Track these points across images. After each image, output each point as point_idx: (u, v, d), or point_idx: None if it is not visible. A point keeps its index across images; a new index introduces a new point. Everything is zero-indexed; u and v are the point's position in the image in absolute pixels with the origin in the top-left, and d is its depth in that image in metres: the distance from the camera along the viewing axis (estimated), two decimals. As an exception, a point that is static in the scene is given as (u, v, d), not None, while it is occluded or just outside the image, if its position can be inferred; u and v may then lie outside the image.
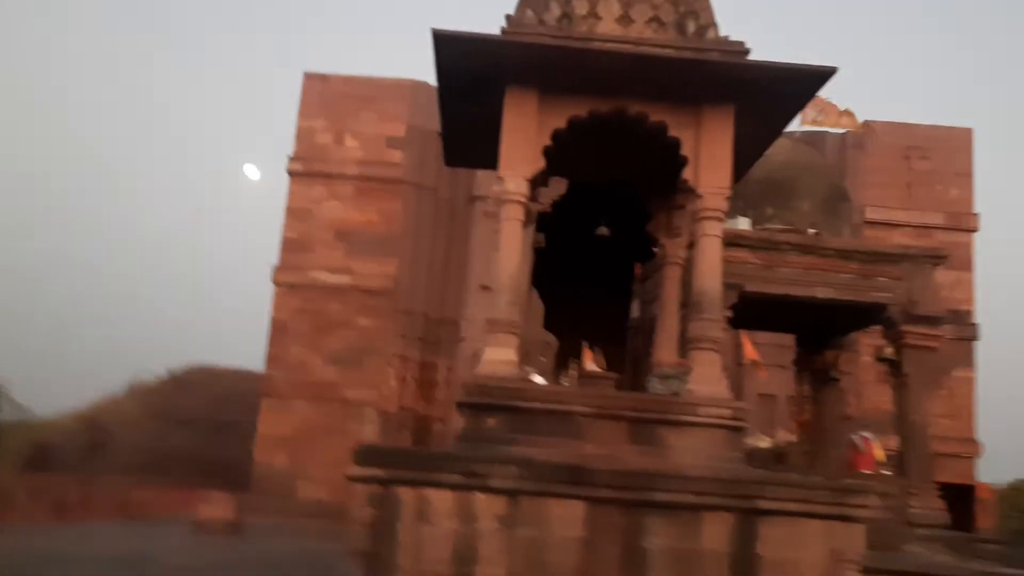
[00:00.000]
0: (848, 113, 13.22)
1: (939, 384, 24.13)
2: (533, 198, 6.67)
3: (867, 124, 26.26)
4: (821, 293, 9.55)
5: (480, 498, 5.29)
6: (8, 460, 22.38)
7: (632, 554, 5.30)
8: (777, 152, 9.96)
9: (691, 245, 6.55)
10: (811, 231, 10.18)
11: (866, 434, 11.05)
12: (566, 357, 8.14)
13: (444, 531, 5.26)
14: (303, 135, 26.23)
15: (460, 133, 7.37)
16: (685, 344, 6.38)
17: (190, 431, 29.93)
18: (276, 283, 25.57)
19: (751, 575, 5.25)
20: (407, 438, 24.03)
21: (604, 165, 7.47)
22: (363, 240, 25.44)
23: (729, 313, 9.38)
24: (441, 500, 5.29)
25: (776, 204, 10.41)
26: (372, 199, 25.75)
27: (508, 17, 6.21)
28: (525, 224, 6.55)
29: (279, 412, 24.55)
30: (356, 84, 26.47)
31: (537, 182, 6.54)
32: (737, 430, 5.99)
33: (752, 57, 6.08)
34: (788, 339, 12.47)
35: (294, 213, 25.88)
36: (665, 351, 7.22)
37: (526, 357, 7.01)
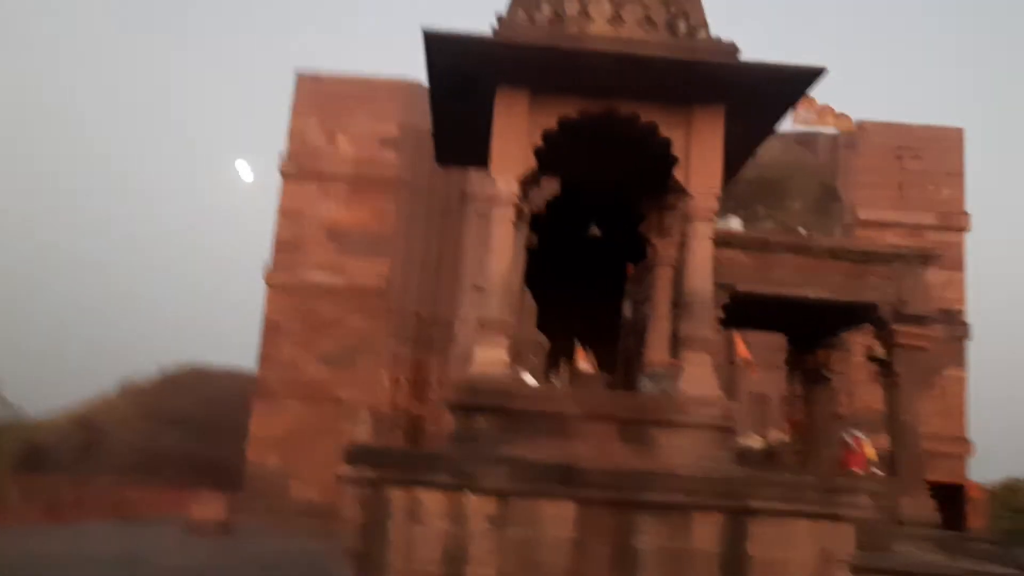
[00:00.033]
0: (841, 115, 13.28)
1: (931, 383, 24.22)
2: (525, 198, 6.68)
3: (859, 124, 26.37)
4: (812, 293, 9.57)
5: (471, 498, 5.29)
6: (0, 460, 22.28)
7: (623, 554, 5.31)
8: (768, 152, 9.97)
9: (682, 245, 6.55)
10: (802, 231, 10.20)
11: (858, 433, 11.08)
12: (557, 357, 8.15)
13: (435, 531, 5.26)
14: (296, 135, 26.17)
15: (451, 133, 7.37)
16: (676, 344, 6.39)
17: (182, 431, 29.85)
18: (269, 283, 25.51)
19: (741, 575, 5.26)
20: (400, 438, 24.00)
21: (595, 166, 7.48)
22: (356, 240, 25.40)
23: (721, 313, 9.40)
24: (432, 500, 5.29)
25: (768, 204, 10.43)
26: (365, 199, 25.72)
27: (500, 17, 6.21)
28: (517, 224, 6.56)
29: (272, 412, 24.50)
30: (349, 84, 26.42)
31: (528, 182, 6.54)
32: (728, 430, 6.00)
33: (742, 58, 6.09)
34: (780, 339, 12.49)
35: (287, 213, 25.83)
36: (656, 351, 7.23)
37: (517, 357, 7.02)
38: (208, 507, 18.71)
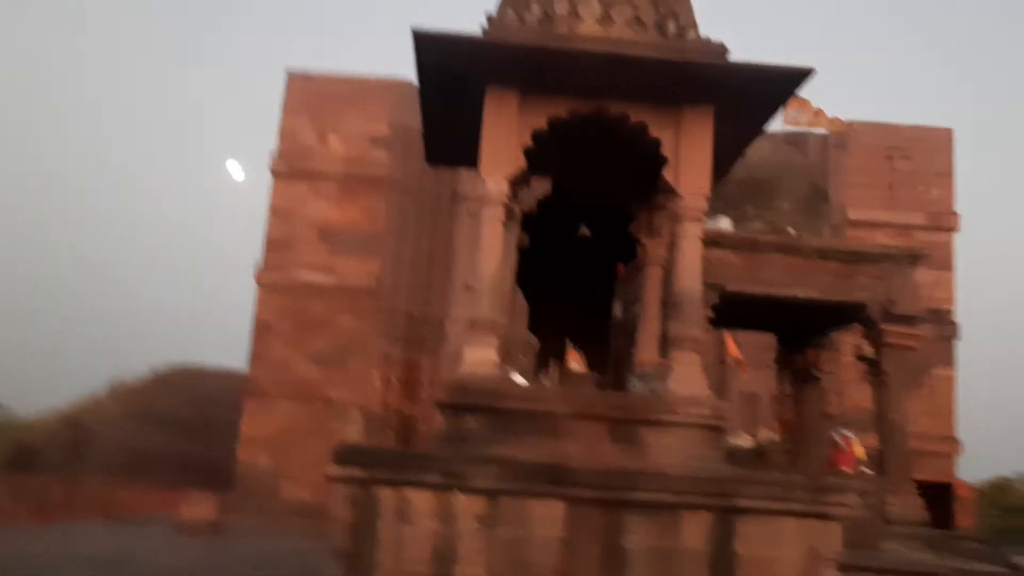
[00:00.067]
0: (833, 119, 13.34)
1: (920, 383, 24.34)
2: (515, 198, 6.68)
3: (849, 125, 26.47)
4: (801, 293, 9.61)
5: (460, 498, 5.29)
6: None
7: (612, 553, 5.32)
8: (758, 152, 10.00)
9: (672, 245, 6.57)
10: (791, 231, 10.24)
11: (847, 432, 11.13)
12: (547, 357, 8.16)
13: (424, 531, 5.26)
14: (287, 134, 26.14)
15: (441, 132, 7.37)
16: (666, 344, 6.41)
17: (173, 431, 29.78)
18: (259, 282, 25.47)
19: (729, 573, 5.28)
20: (391, 438, 24.00)
21: (586, 166, 7.49)
22: (347, 239, 25.38)
23: (710, 313, 9.43)
24: (421, 500, 5.29)
25: (757, 204, 10.46)
26: (356, 198, 25.70)
27: (489, 17, 6.21)
28: (507, 224, 6.57)
29: (262, 412, 24.47)
30: (340, 83, 26.39)
31: (518, 182, 6.55)
32: (717, 429, 6.01)
33: (732, 58, 6.11)
34: (771, 338, 12.53)
35: (277, 212, 25.80)
36: (646, 351, 7.24)
37: (508, 357, 7.02)
38: (198, 507, 18.67)
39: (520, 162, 6.20)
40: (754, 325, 12.38)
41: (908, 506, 9.33)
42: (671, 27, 6.26)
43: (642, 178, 6.95)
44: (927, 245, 23.77)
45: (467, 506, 5.29)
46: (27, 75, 79.80)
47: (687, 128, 6.25)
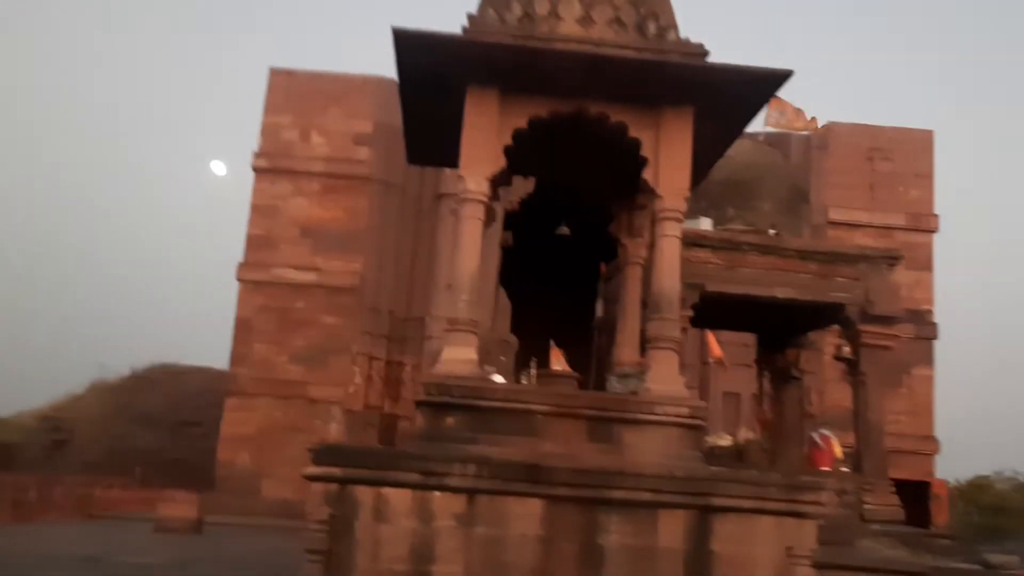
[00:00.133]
0: (811, 120, 13.44)
1: (899, 382, 24.55)
2: (495, 197, 6.69)
3: (830, 126, 26.64)
4: (781, 293, 9.66)
5: (438, 497, 5.31)
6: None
7: (589, 551, 5.35)
8: (739, 153, 10.06)
9: (652, 245, 6.60)
10: (771, 232, 10.30)
11: (826, 431, 11.20)
12: (527, 356, 8.17)
13: (402, 530, 5.27)
14: (269, 131, 26.02)
15: (422, 131, 7.38)
16: (645, 343, 6.44)
17: (153, 430, 29.60)
18: (241, 280, 25.35)
19: (705, 571, 5.33)
20: (373, 436, 23.95)
21: (567, 166, 7.52)
22: (329, 237, 25.31)
23: (691, 313, 9.47)
24: (399, 499, 5.30)
25: (737, 204, 10.53)
26: (338, 196, 25.62)
27: (470, 16, 6.22)
28: (487, 223, 6.57)
29: (243, 410, 24.37)
30: (323, 80, 26.30)
31: (498, 181, 6.56)
32: (695, 428, 6.05)
33: (712, 59, 6.15)
34: (754, 338, 12.60)
35: (259, 210, 25.68)
36: (626, 350, 7.27)
37: (487, 356, 7.03)
38: (178, 506, 18.55)
39: (500, 162, 6.22)
40: (734, 325, 12.45)
41: (884, 504, 9.41)
42: (651, 28, 6.29)
43: (623, 178, 6.98)
44: (907, 246, 24.02)
45: (445, 505, 5.30)
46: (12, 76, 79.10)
47: (667, 129, 6.28)
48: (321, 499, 5.31)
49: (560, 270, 10.41)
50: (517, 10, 6.26)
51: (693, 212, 9.95)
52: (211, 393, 27.69)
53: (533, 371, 7.15)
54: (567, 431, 5.83)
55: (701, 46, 6.20)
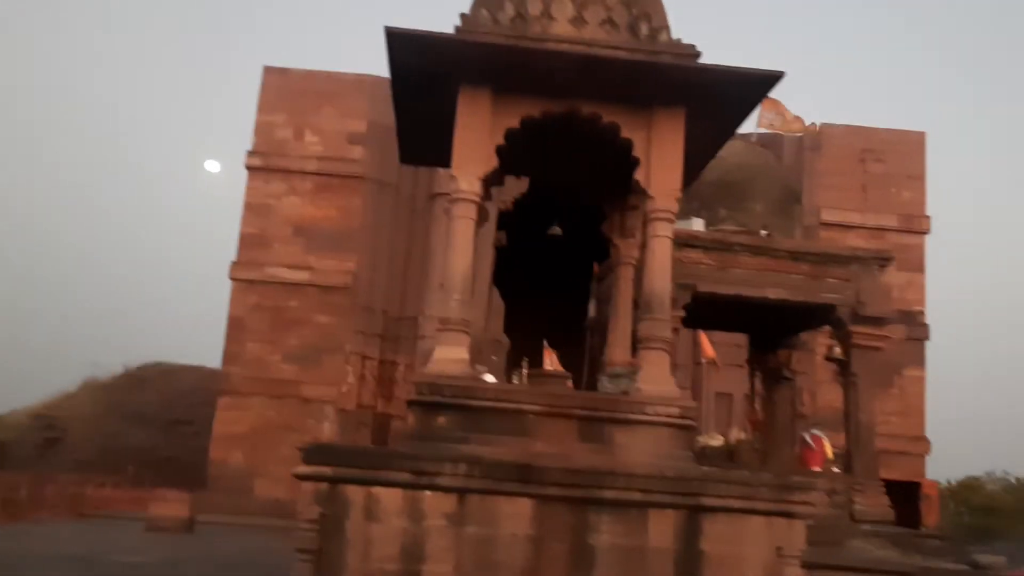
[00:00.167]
0: (797, 119, 13.45)
1: (890, 383, 24.61)
2: (487, 197, 6.70)
3: (823, 127, 26.69)
4: (772, 294, 9.69)
5: (429, 496, 5.31)
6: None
7: (579, 551, 5.36)
8: (731, 154, 10.09)
9: (644, 245, 6.62)
10: (763, 232, 10.33)
11: (817, 432, 11.25)
12: (520, 356, 8.18)
13: (393, 529, 5.28)
14: (262, 130, 25.96)
15: (415, 131, 7.38)
16: (636, 344, 6.45)
17: (146, 428, 29.55)
18: (234, 279, 25.29)
19: (695, 571, 5.34)
20: (366, 436, 23.93)
21: (559, 165, 7.53)
22: (322, 236, 25.26)
23: (682, 313, 9.50)
24: (390, 498, 5.30)
25: (729, 205, 10.56)
26: (332, 195, 25.58)
27: (463, 16, 6.23)
28: (479, 223, 6.58)
29: (236, 409, 24.31)
30: (316, 79, 26.25)
31: (490, 181, 6.56)
32: (685, 428, 6.07)
33: (704, 60, 6.16)
34: (746, 338, 12.62)
35: (252, 208, 25.62)
36: (618, 351, 7.28)
37: (479, 356, 7.04)
38: (170, 505, 18.50)
39: (493, 161, 6.22)
40: (726, 325, 12.49)
41: (874, 505, 9.45)
42: (644, 29, 6.30)
43: (615, 178, 7.00)
44: (899, 247, 24.08)
45: (436, 504, 5.31)
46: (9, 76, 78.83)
47: (659, 129, 6.30)
48: (311, 498, 5.31)
49: (554, 270, 10.43)
50: (510, 10, 6.27)
51: (685, 212, 9.96)
52: (204, 392, 27.63)
53: (525, 371, 7.16)
54: (558, 431, 5.84)
55: (693, 47, 6.22)
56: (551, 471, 5.39)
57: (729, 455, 10.99)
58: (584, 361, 9.54)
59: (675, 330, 8.75)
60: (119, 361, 34.47)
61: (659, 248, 6.26)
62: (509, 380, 7.42)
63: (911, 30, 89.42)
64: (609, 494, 5.38)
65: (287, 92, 25.95)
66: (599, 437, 5.87)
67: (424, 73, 6.26)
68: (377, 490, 5.30)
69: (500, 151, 6.22)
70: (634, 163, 6.28)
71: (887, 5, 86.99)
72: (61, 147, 79.84)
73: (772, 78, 6.14)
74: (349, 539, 5.26)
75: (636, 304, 7.11)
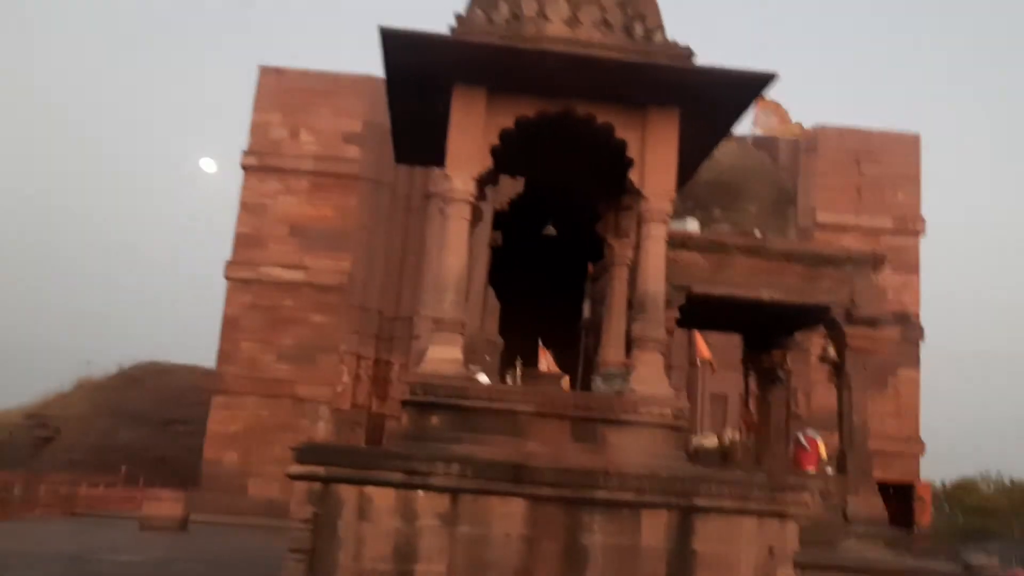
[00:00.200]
0: (794, 124, 13.50)
1: (885, 384, 24.67)
2: (482, 197, 6.70)
3: (818, 129, 26.76)
4: (766, 295, 9.68)
5: (421, 496, 5.31)
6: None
7: (572, 551, 5.36)
8: (725, 155, 10.10)
9: (638, 246, 6.62)
10: (757, 233, 10.33)
11: (811, 432, 11.24)
12: (514, 356, 8.19)
13: (385, 529, 5.27)
14: (258, 129, 25.93)
15: (410, 130, 7.37)
16: (630, 344, 6.45)
17: (140, 428, 29.50)
18: (228, 278, 25.25)
19: (688, 571, 5.35)
20: (361, 436, 23.91)
21: (554, 166, 7.53)
22: (318, 236, 25.24)
23: (677, 314, 9.49)
24: (382, 498, 5.30)
25: (723, 206, 10.55)
26: (327, 194, 25.56)
27: (458, 16, 6.22)
28: (473, 223, 6.58)
29: (230, 409, 24.28)
30: (312, 79, 26.22)
31: (485, 181, 6.56)
32: (678, 428, 6.07)
33: (699, 61, 6.17)
34: (741, 339, 12.61)
35: (248, 208, 25.59)
36: (612, 351, 7.28)
37: (472, 355, 7.04)
38: (164, 504, 18.49)
39: (487, 161, 6.22)
40: (720, 326, 12.49)
41: (868, 505, 9.45)
42: (638, 29, 6.31)
43: (610, 179, 7.00)
44: (894, 249, 24.15)
45: (428, 504, 5.31)
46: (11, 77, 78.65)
47: (653, 130, 6.30)
48: (304, 498, 5.31)
49: (549, 270, 10.44)
50: (504, 11, 6.27)
51: (680, 213, 9.97)
52: (198, 391, 27.59)
53: (519, 371, 7.16)
54: (551, 431, 5.84)
55: (687, 48, 6.22)
56: (544, 471, 5.39)
57: (723, 456, 10.98)
58: (579, 361, 9.55)
59: (669, 331, 8.74)
60: (113, 360, 34.49)
61: (653, 249, 6.26)
62: (503, 380, 7.41)
63: (908, 32, 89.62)
64: (602, 494, 5.38)
65: (283, 92, 25.93)
66: (592, 437, 5.87)
67: (419, 73, 6.25)
68: (370, 490, 5.30)
69: (494, 151, 6.22)
70: (628, 163, 6.28)
71: (884, 7, 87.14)
72: (57, 146, 79.63)
73: (765, 79, 6.15)
74: (342, 539, 5.25)
75: (630, 304, 7.12)
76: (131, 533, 16.95)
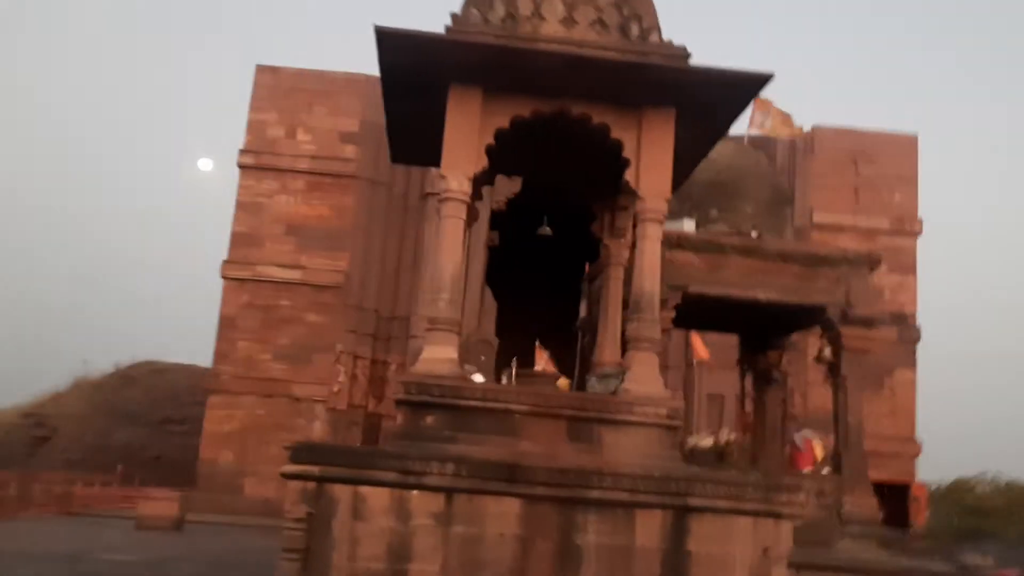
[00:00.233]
0: (788, 122, 13.47)
1: (881, 384, 24.68)
2: (477, 197, 6.70)
3: (814, 129, 26.77)
4: (763, 295, 9.69)
5: (416, 496, 5.31)
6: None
7: (566, 550, 5.36)
8: (721, 155, 10.09)
9: (634, 246, 6.62)
10: (753, 234, 10.34)
11: (807, 433, 11.26)
12: (510, 355, 8.18)
13: (379, 528, 5.27)
14: (254, 128, 25.89)
15: (406, 130, 7.37)
16: (625, 344, 6.45)
17: (136, 427, 29.46)
18: (225, 277, 25.21)
19: (682, 570, 5.35)
20: (357, 435, 23.88)
21: (550, 166, 7.52)
22: (314, 235, 25.21)
23: (673, 314, 9.49)
24: (377, 497, 5.30)
25: (720, 206, 10.56)
26: (324, 194, 25.54)
27: (453, 16, 6.22)
28: (469, 222, 6.58)
29: (226, 408, 24.25)
30: (309, 78, 26.19)
31: (480, 181, 6.56)
32: (673, 428, 6.07)
33: (695, 61, 6.16)
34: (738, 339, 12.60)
35: (244, 207, 25.55)
36: (608, 351, 7.28)
37: (467, 355, 7.03)
38: (160, 503, 18.48)
39: (483, 161, 6.22)
40: (717, 326, 12.50)
41: (863, 506, 9.46)
42: (634, 29, 6.30)
43: (606, 179, 7.00)
44: (891, 249, 24.17)
45: (423, 503, 5.31)
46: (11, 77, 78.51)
47: (649, 130, 6.30)
48: (299, 497, 5.30)
49: (547, 270, 10.43)
50: (500, 10, 6.27)
51: (676, 213, 9.96)
52: (194, 391, 27.56)
53: (514, 371, 7.15)
54: (546, 431, 5.84)
55: (683, 48, 6.22)
56: (538, 471, 5.39)
57: (719, 456, 11.00)
58: (576, 361, 9.54)
59: (665, 331, 8.75)
60: (109, 360, 34.51)
61: (648, 249, 6.26)
62: (498, 380, 7.40)
63: (905, 32, 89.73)
64: (596, 494, 5.38)
65: (279, 91, 25.91)
66: (587, 437, 5.88)
67: (415, 72, 6.25)
68: (364, 489, 5.30)
69: (490, 151, 6.22)
70: (624, 164, 6.28)
71: (882, 7, 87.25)
72: (51, 146, 79.54)
73: (762, 80, 6.15)
74: (336, 538, 5.25)
75: (626, 304, 7.11)
76: (127, 532, 16.93)
